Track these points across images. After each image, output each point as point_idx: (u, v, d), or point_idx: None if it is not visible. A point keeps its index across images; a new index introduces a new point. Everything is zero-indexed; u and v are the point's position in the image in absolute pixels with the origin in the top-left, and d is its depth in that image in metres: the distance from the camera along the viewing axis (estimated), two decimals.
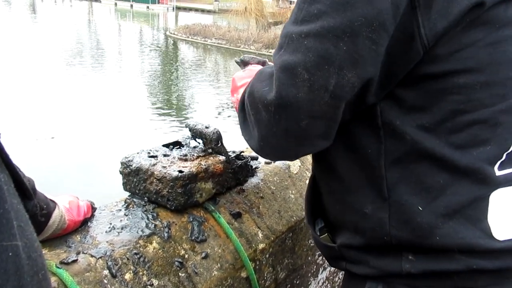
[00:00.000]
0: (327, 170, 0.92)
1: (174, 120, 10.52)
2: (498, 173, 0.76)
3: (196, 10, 47.98)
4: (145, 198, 1.25)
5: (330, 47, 0.71)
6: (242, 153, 1.47)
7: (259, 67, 1.20)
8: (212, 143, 1.34)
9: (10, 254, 0.41)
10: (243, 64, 1.30)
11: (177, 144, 1.43)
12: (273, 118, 0.78)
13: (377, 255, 0.85)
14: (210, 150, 1.37)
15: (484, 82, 0.73)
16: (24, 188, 0.62)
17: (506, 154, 0.76)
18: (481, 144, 0.75)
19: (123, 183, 1.31)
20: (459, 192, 0.76)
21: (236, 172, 1.40)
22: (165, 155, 1.32)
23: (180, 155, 1.33)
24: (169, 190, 1.19)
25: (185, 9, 48.36)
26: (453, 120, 0.74)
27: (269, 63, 1.30)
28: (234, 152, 1.45)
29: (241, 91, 1.04)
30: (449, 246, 0.77)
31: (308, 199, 1.05)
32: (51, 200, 1.00)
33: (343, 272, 1.00)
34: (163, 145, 1.41)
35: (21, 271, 0.43)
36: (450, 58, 0.72)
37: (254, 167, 1.54)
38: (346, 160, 0.86)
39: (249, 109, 0.86)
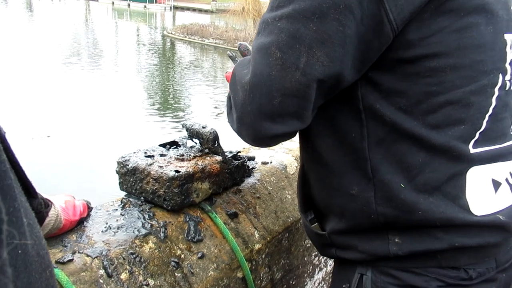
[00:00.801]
0: (314, 158, 0.97)
1: (171, 120, 10.50)
2: (472, 150, 0.82)
3: (194, 9, 47.95)
4: (142, 197, 1.25)
5: (301, 27, 0.76)
6: (239, 153, 1.47)
7: None
8: (209, 143, 1.34)
9: (20, 251, 0.41)
10: (240, 54, 1.30)
11: (173, 144, 1.43)
12: (248, 97, 0.83)
13: (365, 239, 0.90)
14: (207, 150, 1.37)
15: (453, 65, 0.78)
16: (29, 187, 0.62)
17: (479, 133, 0.82)
18: (455, 123, 0.81)
19: (120, 183, 1.30)
20: (437, 170, 0.82)
21: (233, 172, 1.40)
22: (161, 155, 1.32)
23: (177, 155, 1.33)
24: (166, 190, 1.19)
25: (182, 8, 48.32)
26: (428, 102, 0.80)
27: None
28: (231, 152, 1.45)
29: None
30: (431, 221, 0.82)
31: (299, 189, 1.09)
32: (46, 199, 1.00)
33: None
34: (160, 145, 1.41)
35: (30, 268, 0.43)
36: (421, 43, 0.77)
37: (251, 167, 1.55)
38: (331, 146, 0.91)
39: (230, 93, 0.90)
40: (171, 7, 47.62)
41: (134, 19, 38.09)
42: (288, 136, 0.90)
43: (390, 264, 0.88)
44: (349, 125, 0.86)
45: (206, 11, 45.69)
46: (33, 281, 0.43)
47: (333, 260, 1.87)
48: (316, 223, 1.05)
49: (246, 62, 0.88)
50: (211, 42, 24.55)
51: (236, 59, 1.32)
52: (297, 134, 1.01)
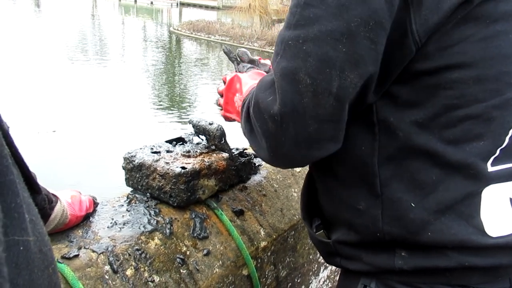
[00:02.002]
0: (323, 168, 0.94)
1: (177, 116, 10.52)
2: (490, 169, 0.76)
3: (200, 6, 47.94)
4: (148, 194, 1.25)
5: (329, 50, 0.71)
6: (245, 150, 1.46)
7: (262, 72, 1.21)
8: (216, 139, 1.33)
9: (22, 248, 0.41)
10: (238, 59, 1.29)
11: (180, 140, 1.43)
12: (280, 128, 0.78)
13: (371, 251, 0.86)
14: (213, 147, 1.36)
15: (476, 77, 0.73)
16: (32, 182, 0.62)
17: (500, 150, 0.76)
18: (474, 139, 0.75)
19: (126, 179, 1.30)
20: (451, 188, 0.76)
21: (239, 169, 1.39)
22: (168, 151, 1.32)
23: (183, 152, 1.32)
24: (172, 187, 1.19)
25: (189, 5, 48.32)
26: (446, 115, 0.74)
27: (262, 61, 1.30)
28: (237, 149, 1.44)
29: (245, 93, 1.05)
30: (441, 242, 0.77)
31: (304, 196, 1.06)
32: (52, 194, 1.00)
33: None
34: (166, 141, 1.40)
35: (32, 265, 0.43)
36: (443, 53, 0.72)
37: (257, 164, 1.54)
38: (340, 158, 0.86)
39: (255, 121, 0.86)
40: (177, 4, 47.64)
41: (141, 15, 38.14)
42: (324, 156, 0.87)
43: (395, 278, 0.84)
44: (360, 138, 0.82)
45: (212, 8, 45.66)
46: (35, 278, 0.43)
47: None
48: (322, 231, 1.01)
49: (268, 86, 0.83)
50: (218, 39, 24.52)
51: (232, 54, 1.31)
52: None
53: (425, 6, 0.68)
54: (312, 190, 1.03)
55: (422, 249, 0.80)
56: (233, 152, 1.38)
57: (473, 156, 0.75)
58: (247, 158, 1.42)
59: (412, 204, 0.78)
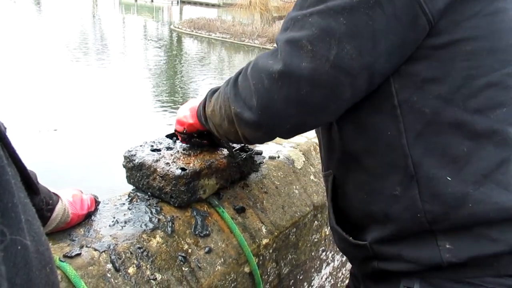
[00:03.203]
0: (350, 167, 0.95)
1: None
2: None
3: (201, 4, 47.88)
4: (149, 192, 1.25)
5: (331, 21, 0.78)
6: (246, 146, 1.45)
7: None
8: (215, 136, 1.33)
9: (19, 247, 0.41)
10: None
11: None
12: (275, 85, 0.84)
13: (412, 247, 0.85)
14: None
15: (489, 49, 0.79)
16: (30, 183, 0.62)
17: None
18: (497, 106, 0.79)
19: (127, 177, 1.30)
20: (484, 157, 0.79)
21: (240, 165, 1.38)
22: (168, 148, 1.31)
23: (183, 149, 1.32)
24: (172, 188, 1.18)
25: (189, 3, 48.26)
26: (468, 86, 0.79)
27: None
28: (238, 144, 1.43)
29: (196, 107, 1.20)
30: (484, 213, 0.78)
31: (332, 203, 1.04)
32: (54, 193, 1.00)
33: (349, 270, 0.98)
34: (167, 136, 1.40)
35: (29, 265, 0.43)
36: (456, 28, 0.78)
37: (258, 162, 1.54)
38: (367, 149, 0.89)
39: (251, 80, 0.89)
40: (178, 1, 47.57)
41: (141, 14, 38.10)
42: (309, 127, 0.92)
43: (442, 275, 0.82)
44: (383, 124, 0.85)
45: (213, 5, 45.60)
46: (33, 277, 0.43)
47: (340, 255, 1.87)
48: (350, 238, 0.98)
49: (270, 54, 0.89)
50: (218, 37, 24.50)
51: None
52: (328, 151, 1.01)
53: None
54: (337, 196, 1.02)
55: (465, 234, 0.80)
56: (234, 148, 1.37)
57: (498, 122, 0.79)
58: (248, 153, 1.41)
59: (448, 178, 0.79)
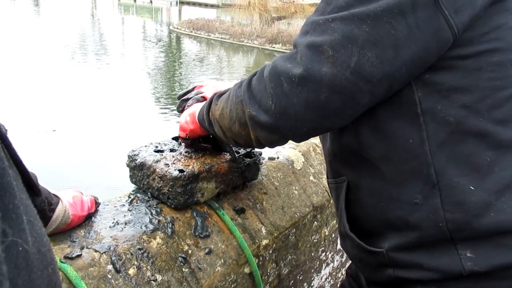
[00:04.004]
0: (367, 173, 0.93)
1: (177, 115, 10.50)
2: None
3: (200, 4, 47.87)
4: (149, 193, 1.25)
5: (354, 28, 0.78)
6: (252, 151, 1.41)
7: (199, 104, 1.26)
8: (217, 140, 1.32)
9: (20, 249, 0.41)
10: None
11: None
12: (295, 89, 0.84)
13: (431, 255, 0.84)
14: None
15: None
16: (31, 185, 0.62)
17: None
18: None
19: (130, 176, 1.31)
20: (507, 167, 0.79)
21: (244, 171, 1.36)
22: (171, 150, 1.31)
23: (187, 151, 1.32)
24: (169, 189, 1.18)
25: (188, 3, 48.24)
26: (493, 96, 0.80)
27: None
28: (244, 149, 1.40)
29: (198, 109, 1.19)
30: (506, 222, 0.78)
31: (345, 210, 1.02)
32: (54, 195, 1.00)
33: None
34: (173, 138, 1.40)
35: (31, 266, 0.43)
36: (481, 39, 0.79)
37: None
38: (387, 156, 0.88)
39: (268, 82, 0.89)
40: (177, 2, 47.54)
41: (140, 14, 38.09)
42: (323, 131, 0.95)
43: (460, 284, 0.81)
44: (405, 132, 0.85)
45: (212, 6, 45.59)
46: (34, 278, 0.43)
47: (340, 256, 1.87)
48: (366, 245, 0.97)
49: (288, 57, 0.88)
50: (217, 37, 24.50)
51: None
52: (340, 157, 1.00)
53: (459, 2, 0.76)
54: (351, 203, 1.00)
55: (486, 243, 0.79)
56: (239, 153, 1.35)
57: None
58: (253, 159, 1.39)
59: (471, 187, 0.80)
